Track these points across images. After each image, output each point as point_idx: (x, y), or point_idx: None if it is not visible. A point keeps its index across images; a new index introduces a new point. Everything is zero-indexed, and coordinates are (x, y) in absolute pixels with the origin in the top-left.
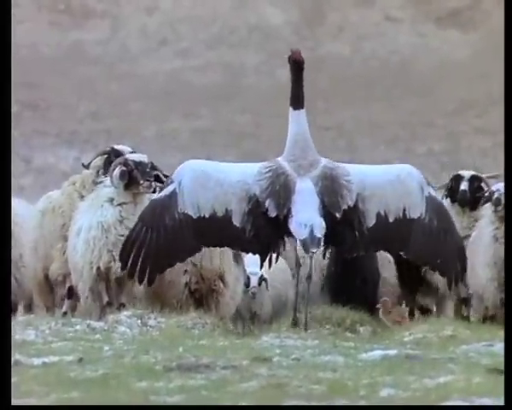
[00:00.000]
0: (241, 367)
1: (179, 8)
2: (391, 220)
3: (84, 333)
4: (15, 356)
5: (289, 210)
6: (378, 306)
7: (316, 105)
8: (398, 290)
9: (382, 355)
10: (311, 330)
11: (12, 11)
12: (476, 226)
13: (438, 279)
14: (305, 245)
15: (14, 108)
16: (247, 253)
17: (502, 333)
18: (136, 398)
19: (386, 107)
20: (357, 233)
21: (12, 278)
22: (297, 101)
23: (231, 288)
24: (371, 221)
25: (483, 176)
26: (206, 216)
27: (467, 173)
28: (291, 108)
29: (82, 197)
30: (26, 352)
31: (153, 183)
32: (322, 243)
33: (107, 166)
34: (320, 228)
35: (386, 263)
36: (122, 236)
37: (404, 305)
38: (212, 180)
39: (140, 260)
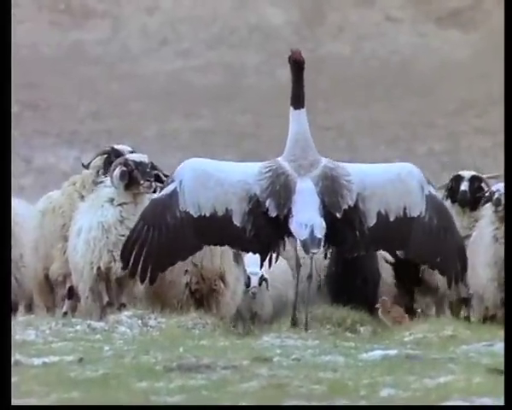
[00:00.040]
0: (241, 367)
1: (180, 8)
2: (391, 219)
3: (85, 333)
4: (16, 356)
5: (290, 210)
6: (377, 305)
7: (316, 105)
8: (395, 290)
9: (383, 355)
10: (311, 330)
11: (12, 11)
12: (476, 226)
13: (436, 279)
14: (306, 245)
15: (14, 108)
16: (248, 252)
17: (502, 333)
18: (137, 398)
19: (387, 107)
20: (357, 233)
21: (12, 278)
22: (297, 100)
23: (232, 288)
24: (372, 221)
25: (483, 176)
26: (207, 215)
27: (467, 174)
28: (291, 108)
29: (82, 197)
30: (26, 352)
31: (153, 183)
32: (322, 244)
33: (107, 166)
34: (320, 228)
35: (382, 263)
36: (122, 236)
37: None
38: (212, 179)
39: (141, 259)
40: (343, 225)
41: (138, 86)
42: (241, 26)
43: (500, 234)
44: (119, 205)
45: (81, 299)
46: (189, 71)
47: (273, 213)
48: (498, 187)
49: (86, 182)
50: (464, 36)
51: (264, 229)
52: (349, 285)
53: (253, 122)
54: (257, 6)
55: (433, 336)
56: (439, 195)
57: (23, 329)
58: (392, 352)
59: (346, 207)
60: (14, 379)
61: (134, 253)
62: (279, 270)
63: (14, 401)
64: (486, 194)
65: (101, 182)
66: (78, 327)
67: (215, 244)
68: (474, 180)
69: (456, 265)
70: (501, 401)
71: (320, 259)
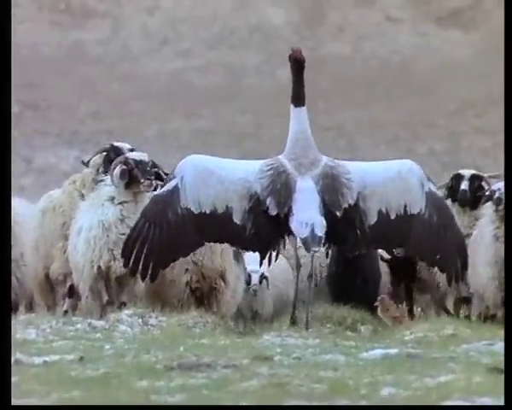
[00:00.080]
0: (242, 366)
1: (180, 8)
2: (392, 217)
3: (85, 332)
4: (16, 355)
5: (290, 209)
6: (376, 303)
7: (316, 105)
8: (393, 288)
9: (383, 354)
10: (312, 329)
11: (12, 11)
12: (477, 225)
13: (430, 278)
14: (306, 244)
15: (14, 109)
16: (247, 251)
17: (502, 332)
18: (137, 397)
19: (387, 107)
20: (358, 232)
21: (13, 277)
22: (298, 98)
23: (232, 286)
24: (373, 219)
25: (485, 176)
26: (207, 212)
27: (467, 173)
28: (292, 106)
29: (82, 196)
30: (26, 351)
31: (153, 181)
32: (323, 242)
33: (106, 164)
34: (321, 227)
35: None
36: (123, 234)
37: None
38: (213, 177)
39: (143, 256)
40: (344, 223)
41: (139, 86)
42: (241, 26)
43: (501, 233)
44: (120, 204)
45: (81, 298)
46: (190, 71)
47: (273, 212)
48: (499, 186)
49: (86, 180)
50: (464, 36)
51: (264, 227)
52: (350, 284)
53: (254, 122)
54: (257, 6)
55: (434, 335)
56: (440, 192)
57: (24, 328)
58: (393, 351)
59: (346, 205)
60: (14, 378)
61: (135, 250)
62: (280, 269)
63: (15, 401)
64: (487, 193)
65: (102, 181)
66: (79, 326)
67: (215, 241)
68: (474, 179)
69: (456, 262)
70: (501, 401)
71: (321, 258)
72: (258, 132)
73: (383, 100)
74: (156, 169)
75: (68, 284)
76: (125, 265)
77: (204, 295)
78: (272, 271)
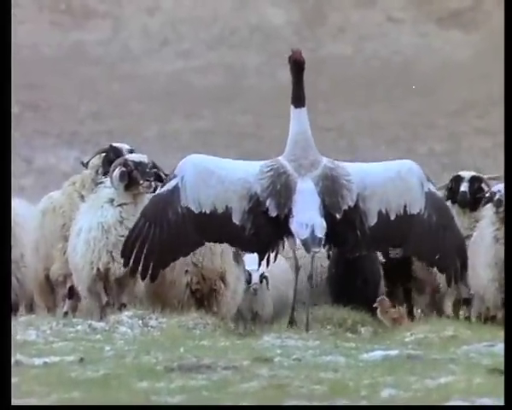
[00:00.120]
0: (242, 368)
1: (180, 8)
2: (392, 218)
3: (85, 333)
4: (16, 356)
5: (290, 210)
6: (375, 305)
7: (317, 106)
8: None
9: (383, 356)
10: (312, 330)
11: (13, 11)
12: (477, 227)
13: (426, 277)
14: (307, 245)
15: (15, 109)
16: (246, 251)
17: (502, 334)
18: (137, 398)
19: (388, 107)
20: (358, 233)
21: (13, 278)
22: (298, 99)
23: (232, 288)
24: (373, 220)
25: (484, 176)
26: (207, 212)
27: (467, 174)
28: (292, 106)
29: (82, 197)
30: (27, 352)
31: (152, 182)
32: (323, 243)
33: (105, 165)
34: (321, 228)
35: None
36: (122, 236)
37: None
38: (213, 177)
39: (143, 255)
40: (344, 225)
41: (139, 87)
42: (241, 26)
43: (501, 235)
44: (119, 205)
45: (81, 299)
46: (190, 71)
47: (273, 213)
48: (499, 188)
49: (86, 181)
50: (465, 36)
51: (264, 228)
52: (350, 286)
53: (254, 123)
54: (257, 6)
55: (434, 336)
56: (439, 192)
57: (24, 329)
58: (393, 352)
59: (346, 207)
60: (14, 379)
61: (135, 250)
62: (280, 270)
63: (15, 402)
64: (487, 194)
65: (101, 182)
66: (79, 327)
67: (215, 241)
68: (474, 181)
69: (455, 263)
70: (501, 402)
71: (321, 258)
72: (258, 133)
73: (383, 100)
74: (155, 169)
75: (68, 286)
76: (125, 265)
77: (204, 296)
78: (272, 272)
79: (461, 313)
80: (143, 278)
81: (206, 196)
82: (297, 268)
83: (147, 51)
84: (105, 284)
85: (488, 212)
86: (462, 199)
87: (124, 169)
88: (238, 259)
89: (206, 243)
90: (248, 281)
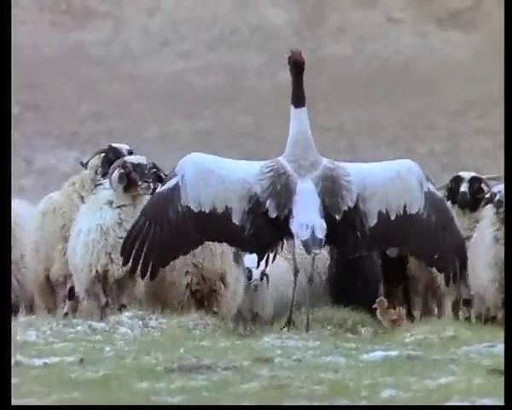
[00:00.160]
0: (242, 368)
1: (181, 9)
2: (392, 218)
3: (85, 334)
4: (16, 357)
5: (290, 211)
6: (375, 305)
7: (317, 106)
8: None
9: (383, 356)
10: (312, 331)
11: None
12: (477, 228)
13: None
14: (307, 246)
15: (15, 109)
16: (245, 251)
17: (503, 334)
18: (138, 399)
19: (388, 107)
20: (358, 233)
21: (13, 279)
22: (298, 99)
23: (232, 288)
24: (373, 221)
25: (483, 177)
26: (207, 211)
27: (467, 175)
28: (292, 106)
29: (82, 198)
30: (27, 353)
31: (151, 183)
32: (323, 244)
33: (105, 165)
34: (321, 229)
35: None
36: (121, 238)
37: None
38: (213, 176)
39: (143, 254)
40: (344, 225)
41: (139, 87)
42: (241, 26)
43: (501, 235)
44: (118, 207)
45: (82, 300)
46: (190, 72)
47: (273, 214)
48: (499, 188)
49: (85, 182)
50: (465, 37)
51: (264, 229)
52: (350, 286)
53: (254, 123)
54: (258, 7)
55: (434, 337)
56: (439, 192)
57: (24, 329)
58: (393, 353)
59: (345, 208)
60: (15, 380)
61: (135, 248)
62: (280, 270)
63: (15, 402)
64: (487, 195)
65: (100, 184)
66: (79, 328)
67: (215, 240)
68: (474, 181)
69: (454, 263)
70: (501, 402)
71: (322, 259)
72: (258, 133)
73: (383, 101)
74: (155, 169)
75: (68, 286)
76: (125, 263)
77: (204, 297)
78: (272, 273)
79: (460, 313)
80: (143, 277)
81: (205, 195)
82: (296, 271)
83: (147, 52)
84: (104, 285)
85: (488, 212)
86: (462, 199)
87: (122, 171)
88: (238, 260)
89: (207, 244)
90: (249, 277)
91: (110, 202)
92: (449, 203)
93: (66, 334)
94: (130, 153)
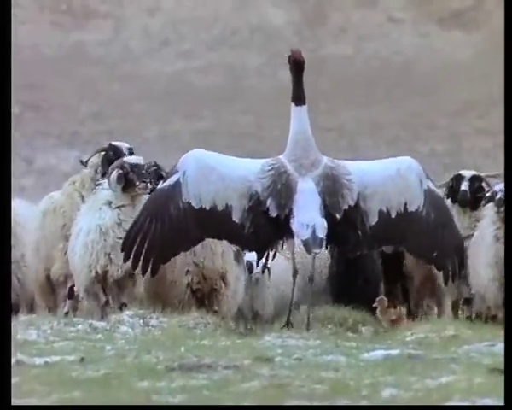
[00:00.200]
0: (242, 367)
1: (181, 8)
2: (393, 216)
3: (86, 333)
4: (17, 356)
5: (291, 210)
6: (375, 304)
7: (317, 106)
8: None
9: (384, 355)
10: (313, 330)
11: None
12: (478, 226)
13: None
14: (308, 246)
15: (15, 109)
16: (245, 249)
17: (503, 333)
18: (138, 398)
19: (388, 107)
20: (359, 232)
21: (14, 278)
22: (298, 98)
23: (232, 287)
24: (374, 219)
25: (483, 175)
26: (207, 208)
27: (467, 173)
28: (293, 104)
29: (82, 197)
30: (27, 352)
31: (148, 184)
32: (324, 244)
33: (105, 164)
34: (322, 228)
35: None
36: (120, 239)
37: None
38: (214, 173)
39: (144, 250)
40: (345, 224)
41: (139, 87)
42: (242, 26)
43: (501, 234)
44: (117, 208)
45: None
46: (191, 72)
47: (273, 213)
48: (501, 187)
49: (86, 181)
50: (466, 36)
51: (264, 228)
52: (351, 285)
53: (255, 123)
54: (258, 7)
55: (435, 336)
56: (438, 190)
57: (25, 328)
58: (394, 352)
59: (346, 207)
60: (15, 379)
61: (136, 244)
62: (280, 269)
63: (16, 401)
64: (488, 194)
65: (99, 184)
66: (80, 327)
67: (215, 237)
68: (475, 180)
69: (452, 261)
70: (501, 402)
71: (322, 259)
72: (259, 133)
73: (384, 101)
74: (155, 168)
75: (69, 286)
76: (126, 259)
77: (205, 296)
78: (273, 272)
79: (460, 312)
80: (144, 273)
81: (206, 191)
82: (295, 272)
83: (147, 51)
84: (103, 285)
85: (489, 211)
86: (463, 198)
87: (120, 171)
88: (239, 259)
89: (207, 243)
90: (250, 270)
91: (109, 203)
92: (449, 202)
93: (66, 333)
94: (131, 151)
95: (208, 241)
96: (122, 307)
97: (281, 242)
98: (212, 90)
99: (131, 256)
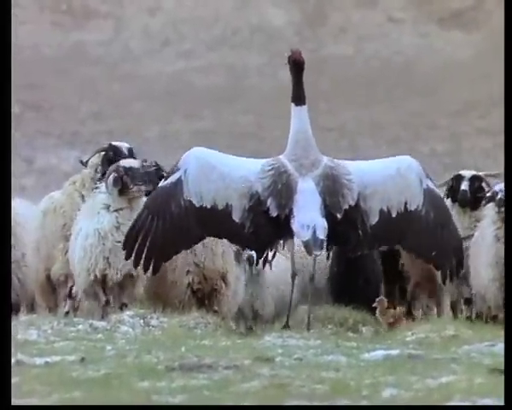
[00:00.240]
0: (243, 367)
1: (182, 9)
2: (393, 215)
3: (87, 333)
4: (18, 356)
5: (291, 210)
6: (375, 304)
7: (318, 106)
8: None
9: (385, 355)
10: (313, 330)
11: (14, 12)
12: (478, 227)
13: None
14: (308, 247)
15: (16, 109)
16: (245, 249)
17: (503, 333)
18: (139, 398)
19: (389, 107)
20: (360, 232)
21: (14, 278)
22: (298, 98)
23: (233, 287)
24: (374, 219)
25: (483, 175)
26: (208, 207)
27: (468, 173)
28: (293, 104)
29: (82, 196)
30: (28, 352)
31: (143, 187)
32: (324, 245)
33: (105, 164)
34: (322, 229)
35: None
36: (119, 242)
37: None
38: (215, 172)
39: (146, 248)
40: (345, 224)
41: (140, 87)
42: (242, 26)
43: (501, 234)
44: (115, 211)
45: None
46: (191, 72)
47: (274, 213)
48: (501, 187)
49: (86, 180)
50: (466, 36)
51: (264, 228)
52: (351, 285)
53: (255, 123)
54: (259, 7)
55: (435, 336)
56: (438, 189)
57: (25, 328)
58: (394, 352)
59: (346, 207)
60: (16, 379)
61: (138, 242)
62: (280, 269)
63: (16, 401)
64: (488, 194)
65: (97, 188)
66: (80, 327)
67: (215, 236)
68: (475, 180)
69: (451, 260)
70: (501, 402)
71: (323, 258)
72: (259, 133)
73: (385, 101)
74: (155, 167)
75: (69, 285)
76: (128, 257)
77: (205, 296)
78: (273, 272)
79: (460, 312)
80: (145, 271)
81: (207, 190)
82: (293, 274)
83: (148, 51)
84: (103, 286)
85: (490, 211)
86: (463, 198)
87: (116, 175)
88: (239, 259)
89: (208, 244)
90: (251, 263)
91: (107, 206)
92: (449, 202)
93: (67, 333)
94: (131, 151)
95: (209, 241)
96: (122, 307)
97: (281, 242)
98: (213, 90)
99: (133, 254)
